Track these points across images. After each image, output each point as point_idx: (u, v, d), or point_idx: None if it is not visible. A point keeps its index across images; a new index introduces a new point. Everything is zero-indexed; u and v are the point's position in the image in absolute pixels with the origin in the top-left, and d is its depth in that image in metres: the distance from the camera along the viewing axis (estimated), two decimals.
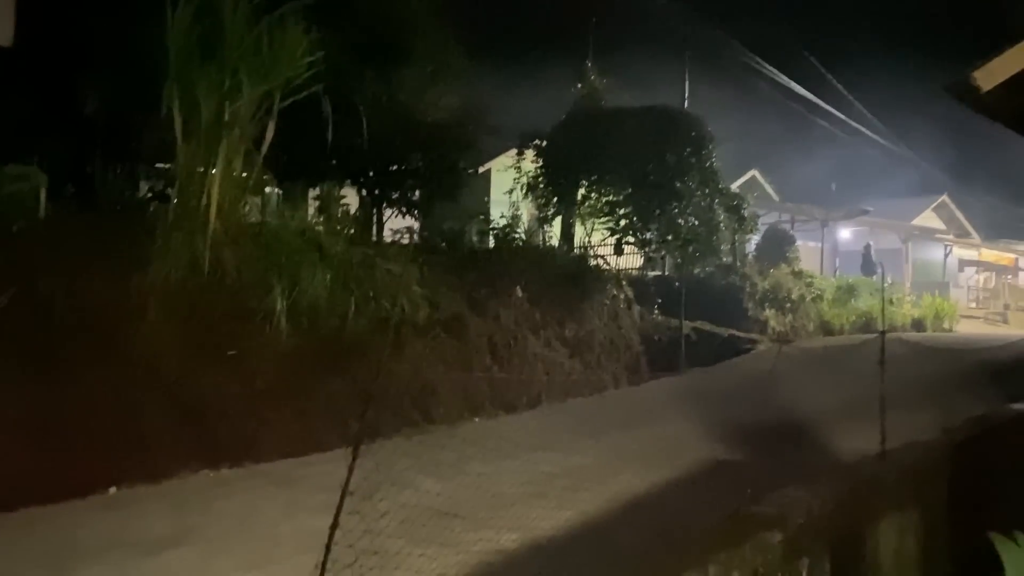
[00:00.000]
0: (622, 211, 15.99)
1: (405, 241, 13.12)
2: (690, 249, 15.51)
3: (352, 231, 12.21)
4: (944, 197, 38.78)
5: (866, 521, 3.36)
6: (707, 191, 15.61)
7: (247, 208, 10.12)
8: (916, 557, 3.55)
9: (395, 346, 10.63)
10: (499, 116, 15.58)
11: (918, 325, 22.85)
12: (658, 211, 15.32)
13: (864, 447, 6.24)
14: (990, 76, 6.48)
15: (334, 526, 2.72)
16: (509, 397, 11.65)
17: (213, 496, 6.63)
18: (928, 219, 37.84)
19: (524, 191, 16.63)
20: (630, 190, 15.65)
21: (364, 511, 4.61)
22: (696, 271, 16.40)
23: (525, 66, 18.98)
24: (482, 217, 15.20)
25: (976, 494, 4.14)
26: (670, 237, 15.45)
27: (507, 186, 16.55)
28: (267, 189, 11.32)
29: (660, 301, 15.83)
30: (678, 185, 15.10)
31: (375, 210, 13.75)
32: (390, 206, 13.87)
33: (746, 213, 16.66)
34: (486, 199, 17.69)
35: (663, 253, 16.54)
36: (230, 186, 9.34)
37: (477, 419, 10.48)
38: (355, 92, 12.02)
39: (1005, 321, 31.23)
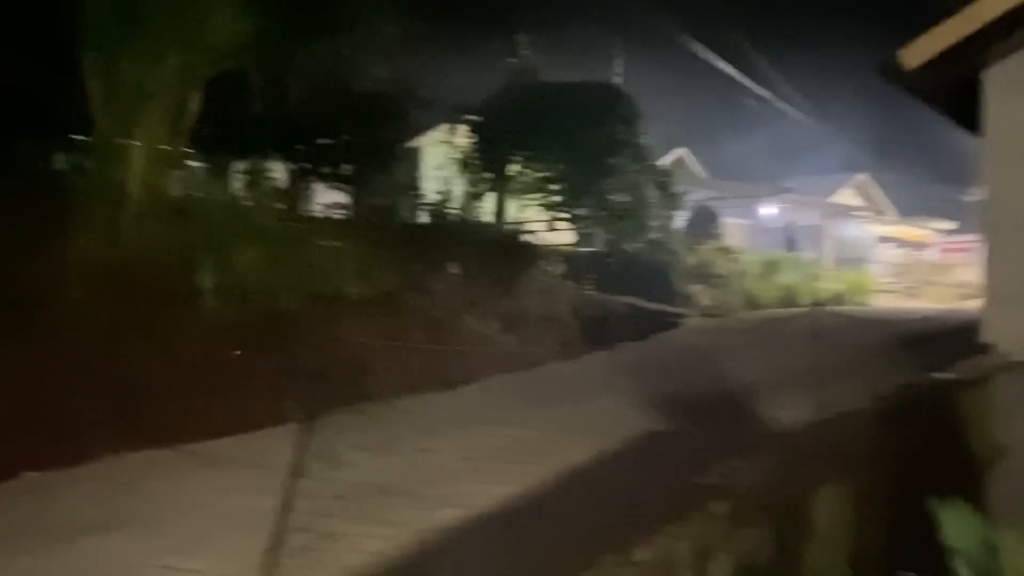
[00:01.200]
0: (555, 187, 16.00)
1: (337, 216, 12.88)
2: (622, 225, 15.62)
3: (282, 206, 11.93)
4: (863, 176, 40.04)
5: (806, 490, 3.43)
6: (638, 168, 15.73)
7: (171, 181, 9.76)
8: (850, 524, 3.64)
9: (328, 322, 10.46)
10: (431, 89, 15.35)
11: (838, 299, 23.59)
12: (591, 187, 15.37)
13: (799, 416, 6.41)
14: (916, 55, 6.68)
15: (285, 508, 2.60)
16: (444, 373, 11.58)
17: (141, 478, 6.42)
18: (847, 197, 39.03)
19: (456, 166, 16.47)
20: (563, 166, 15.66)
21: (301, 490, 4.53)
22: (627, 247, 16.51)
23: (457, 38, 18.69)
24: (414, 192, 15.01)
25: (904, 460, 4.28)
26: (603, 213, 15.53)
27: (439, 161, 16.37)
28: (192, 162, 10.96)
29: (592, 277, 15.94)
30: (611, 161, 15.17)
31: (305, 184, 13.42)
32: (320, 180, 13.56)
33: (675, 190, 16.86)
34: (417, 174, 17.45)
35: (595, 229, 16.62)
36: (153, 158, 9.00)
37: (413, 395, 10.39)
38: (284, 62, 11.69)
39: (919, 295, 32.47)
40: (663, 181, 16.44)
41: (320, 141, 13.42)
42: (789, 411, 7.44)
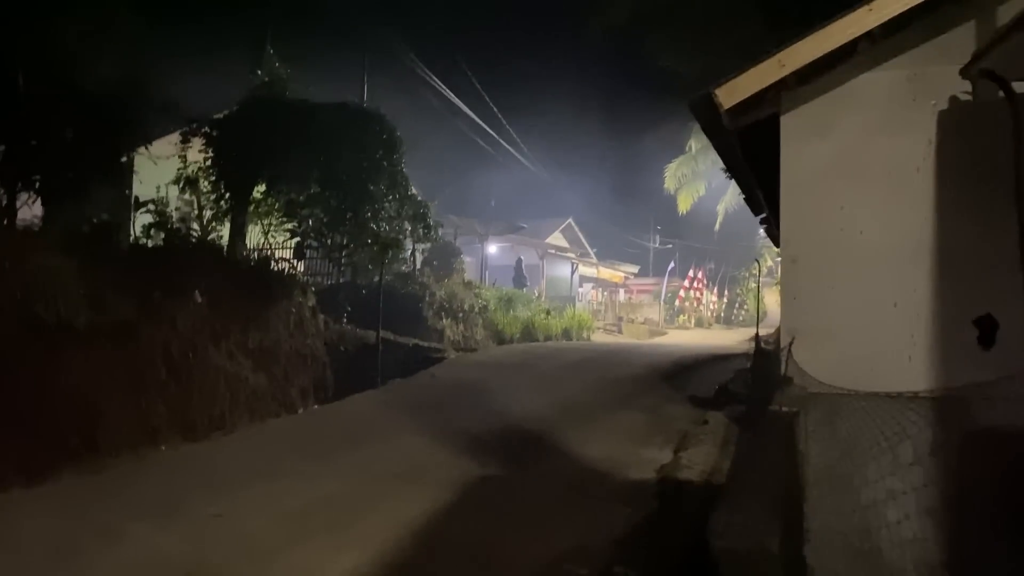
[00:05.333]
0: (305, 211, 14.80)
1: (55, 233, 10.67)
2: (378, 255, 14.78)
3: None
4: (570, 220, 42.96)
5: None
6: (396, 196, 15.06)
7: None
8: None
9: (51, 357, 8.55)
10: (165, 96, 13.49)
11: (567, 334, 24.63)
12: (347, 214, 14.41)
13: (620, 448, 6.14)
14: (731, 94, 6.86)
15: None
16: (192, 418, 10.01)
17: None
18: (557, 239, 41.55)
19: (190, 183, 14.58)
20: (316, 189, 14.52)
21: None
22: (378, 279, 15.70)
23: (195, 43, 16.82)
24: (148, 209, 13.04)
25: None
26: (359, 242, 14.62)
27: (172, 175, 14.40)
28: None
29: (347, 309, 14.96)
30: (370, 188, 14.33)
31: (11, 193, 11.00)
32: (30, 190, 11.20)
33: (431, 221, 16.37)
34: (150, 189, 15.23)
35: (349, 258, 15.59)
36: None
37: (162, 447, 8.77)
38: None
39: (620, 331, 35.14)
40: (420, 212, 15.87)
41: (29, 143, 11.14)
42: (608, 442, 7.23)
